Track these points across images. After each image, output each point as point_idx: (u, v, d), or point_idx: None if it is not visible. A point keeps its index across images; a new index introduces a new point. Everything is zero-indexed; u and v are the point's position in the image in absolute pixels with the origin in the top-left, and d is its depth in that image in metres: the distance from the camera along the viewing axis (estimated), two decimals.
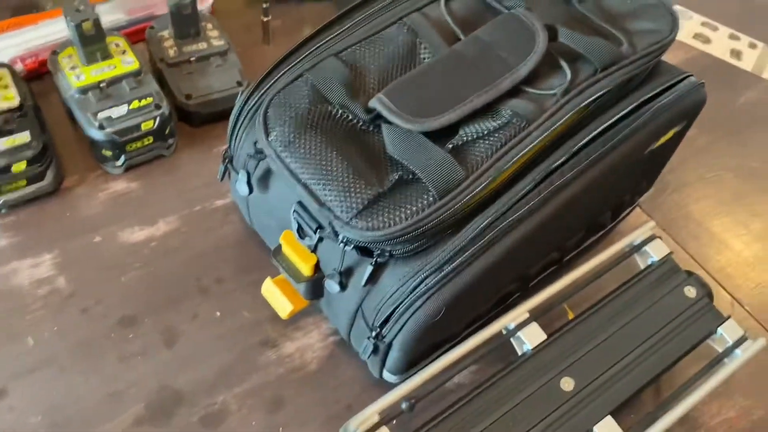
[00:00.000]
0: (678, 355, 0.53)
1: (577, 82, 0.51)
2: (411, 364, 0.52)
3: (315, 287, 0.54)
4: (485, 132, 0.49)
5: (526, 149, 0.48)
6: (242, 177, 0.54)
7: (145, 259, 0.62)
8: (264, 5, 0.78)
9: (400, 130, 0.48)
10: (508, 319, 0.53)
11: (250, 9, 0.83)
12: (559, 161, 0.49)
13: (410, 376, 0.51)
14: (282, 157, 0.49)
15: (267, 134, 0.50)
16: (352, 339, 0.54)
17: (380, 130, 0.50)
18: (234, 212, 0.66)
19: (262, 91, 0.53)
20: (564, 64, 0.52)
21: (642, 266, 0.58)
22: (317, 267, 0.53)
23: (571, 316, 0.57)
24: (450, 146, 0.48)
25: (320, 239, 0.50)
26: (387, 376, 0.54)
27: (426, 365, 0.51)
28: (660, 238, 0.59)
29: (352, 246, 0.47)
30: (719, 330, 0.55)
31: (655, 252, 0.58)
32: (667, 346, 0.53)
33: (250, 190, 0.55)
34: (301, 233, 0.51)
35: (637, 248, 0.58)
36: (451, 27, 0.54)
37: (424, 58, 0.53)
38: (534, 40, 0.51)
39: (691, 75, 0.56)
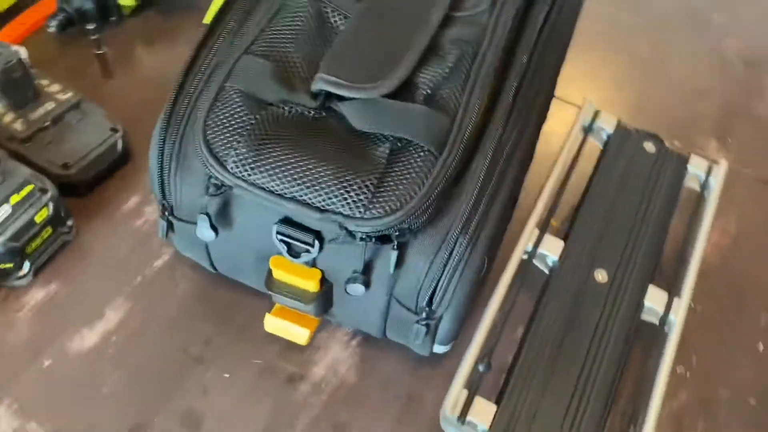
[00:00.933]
0: (672, 208, 0.55)
1: None
2: (461, 326, 0.50)
3: (325, 300, 0.50)
4: (445, 72, 0.46)
5: (490, 71, 0.46)
6: (203, 222, 0.47)
7: (115, 357, 0.53)
8: (93, 37, 0.67)
9: (360, 103, 0.44)
10: (524, 243, 0.52)
11: (67, 49, 0.72)
12: (521, 72, 0.47)
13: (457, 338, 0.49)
14: (253, 181, 0.43)
15: (223, 164, 0.43)
16: (388, 332, 0.51)
17: (335, 112, 0.45)
18: (181, 265, 0.58)
19: (178, 124, 0.46)
20: None
21: (600, 144, 0.59)
22: (322, 279, 0.48)
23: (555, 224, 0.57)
24: (420, 99, 0.45)
25: (321, 249, 0.45)
26: (438, 348, 0.51)
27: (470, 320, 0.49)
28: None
29: (373, 239, 0.43)
30: (689, 168, 0.58)
31: (607, 124, 0.59)
32: (660, 202, 0.55)
33: (216, 233, 0.48)
34: (293, 253, 0.46)
35: (589, 128, 0.59)
36: None
37: (336, 22, 0.49)
38: None
39: None
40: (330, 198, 0.42)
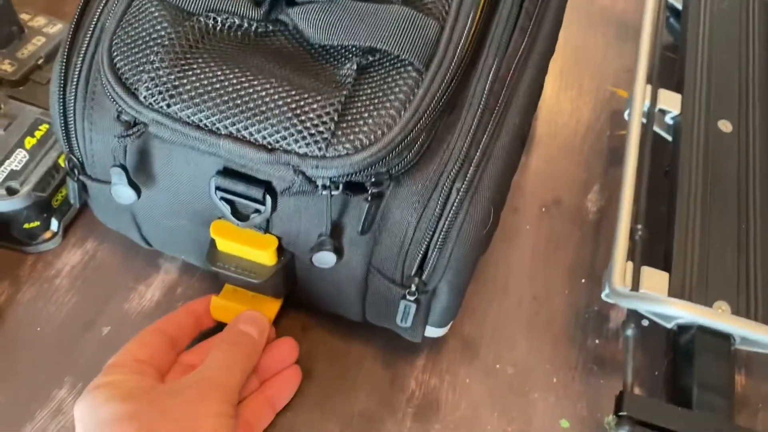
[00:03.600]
0: None
1: None
2: (462, 301, 0.39)
3: (287, 276, 0.39)
4: None
5: None
6: (118, 178, 0.36)
7: None
8: None
9: (317, 7, 0.33)
10: (639, 101, 0.46)
11: None
12: None
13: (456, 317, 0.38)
14: (174, 113, 0.32)
15: (133, 94, 0.32)
16: (368, 314, 0.40)
17: (285, 25, 0.34)
18: None
19: (83, 50, 0.36)
20: None
21: None
22: (280, 248, 0.37)
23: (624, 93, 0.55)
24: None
25: (274, 207, 0.34)
26: (432, 332, 0.40)
27: None
28: None
29: (340, 187, 0.32)
30: None
31: None
32: (759, 48, 0.51)
33: (138, 193, 0.37)
34: (239, 215, 0.35)
35: None
36: None
37: None
38: None
39: None
40: (279, 132, 0.31)
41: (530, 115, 0.37)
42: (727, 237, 0.42)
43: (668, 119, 0.48)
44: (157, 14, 0.33)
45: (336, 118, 0.31)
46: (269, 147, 0.31)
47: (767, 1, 0.54)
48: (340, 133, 0.31)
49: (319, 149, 0.30)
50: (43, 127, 0.45)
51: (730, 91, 0.48)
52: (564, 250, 0.48)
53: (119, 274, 0.45)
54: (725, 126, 0.46)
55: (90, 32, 0.36)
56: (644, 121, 0.47)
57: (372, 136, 0.31)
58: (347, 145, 0.30)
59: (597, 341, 0.44)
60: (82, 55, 0.35)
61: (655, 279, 0.39)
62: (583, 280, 0.47)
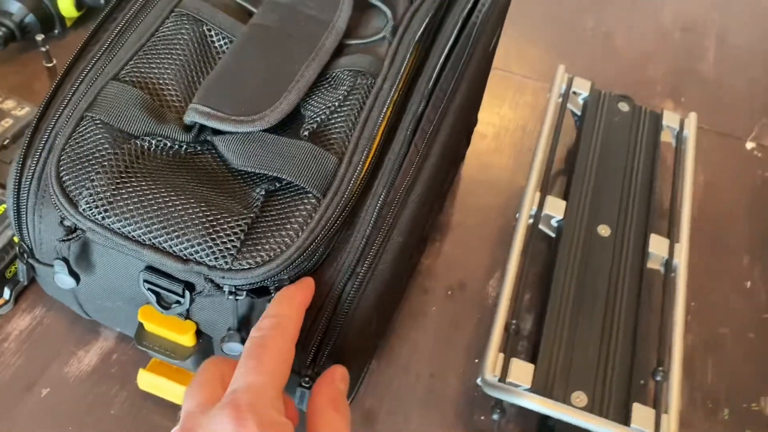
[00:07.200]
0: (655, 161, 0.58)
1: (399, 16, 0.45)
2: (356, 386, 0.45)
3: (207, 355, 0.44)
4: (335, 104, 0.41)
5: (386, 106, 0.41)
6: (60, 269, 0.41)
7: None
8: (43, 49, 0.62)
9: (237, 137, 0.40)
10: (528, 206, 0.53)
11: (11, 66, 0.66)
12: (420, 107, 0.43)
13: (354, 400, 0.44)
14: (108, 225, 0.37)
15: (75, 205, 0.38)
16: None
17: (212, 146, 0.41)
18: None
19: (38, 156, 0.41)
20: (377, 2, 0.46)
21: (576, 109, 0.62)
22: (199, 332, 0.43)
23: None
24: (305, 134, 0.40)
25: (192, 301, 0.40)
26: None
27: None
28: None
29: (245, 293, 0.38)
30: (663, 123, 0.61)
31: (582, 88, 0.62)
32: (644, 157, 0.58)
33: (78, 280, 0.42)
34: (163, 304, 0.41)
35: (566, 95, 0.61)
36: (235, 1, 0.46)
37: (222, 47, 0.44)
38: None
39: None
40: (193, 246, 0.37)
41: (419, 229, 0.43)
42: (592, 332, 0.48)
43: (553, 222, 0.54)
44: (100, 136, 0.39)
45: (242, 237, 0.37)
46: (184, 258, 0.37)
47: (657, 114, 0.62)
48: (245, 249, 0.37)
49: (226, 263, 0.36)
50: (2, 208, 0.51)
51: (612, 199, 0.55)
52: (463, 332, 0.54)
53: (63, 339, 0.51)
54: (604, 230, 0.53)
55: (45, 139, 0.41)
56: (532, 222, 0.54)
57: (272, 253, 0.37)
58: (250, 260, 0.37)
59: (482, 417, 0.50)
60: (36, 159, 0.41)
61: (521, 370, 0.46)
62: (476, 360, 0.53)
